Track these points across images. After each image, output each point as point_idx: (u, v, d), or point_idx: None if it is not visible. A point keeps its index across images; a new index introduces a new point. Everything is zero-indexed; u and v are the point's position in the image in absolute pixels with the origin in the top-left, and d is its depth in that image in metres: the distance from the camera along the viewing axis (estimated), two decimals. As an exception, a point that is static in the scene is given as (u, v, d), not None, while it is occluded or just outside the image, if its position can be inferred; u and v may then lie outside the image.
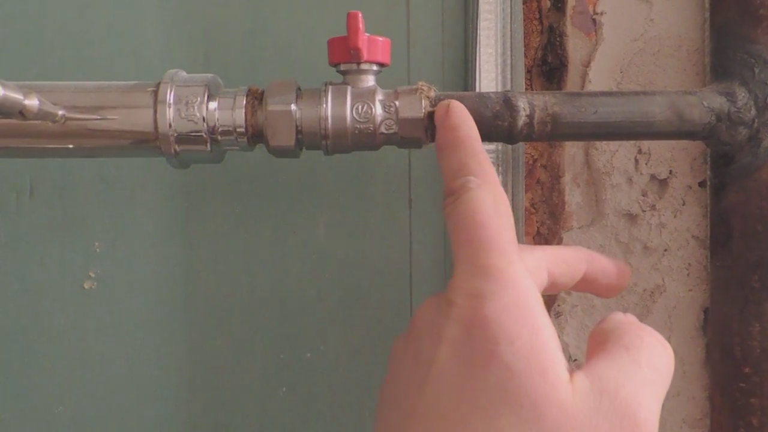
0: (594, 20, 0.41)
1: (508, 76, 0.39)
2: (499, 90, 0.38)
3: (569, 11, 0.41)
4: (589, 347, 0.25)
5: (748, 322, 0.34)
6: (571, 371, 0.22)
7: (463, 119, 0.29)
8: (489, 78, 0.39)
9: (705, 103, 0.31)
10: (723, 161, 0.34)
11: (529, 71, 0.42)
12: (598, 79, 0.41)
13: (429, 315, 0.25)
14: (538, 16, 0.42)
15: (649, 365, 0.23)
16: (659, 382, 0.23)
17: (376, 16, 0.41)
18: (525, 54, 0.40)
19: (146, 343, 0.41)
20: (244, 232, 0.41)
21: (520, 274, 0.24)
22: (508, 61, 0.39)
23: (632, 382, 0.22)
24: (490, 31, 0.39)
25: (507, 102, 0.31)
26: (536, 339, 0.22)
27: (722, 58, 0.34)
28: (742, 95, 0.32)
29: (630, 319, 0.25)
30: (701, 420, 0.41)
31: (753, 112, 0.32)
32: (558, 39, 0.41)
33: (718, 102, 0.31)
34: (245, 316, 0.41)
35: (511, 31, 0.39)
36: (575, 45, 0.41)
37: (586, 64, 0.41)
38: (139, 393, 0.41)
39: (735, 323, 0.34)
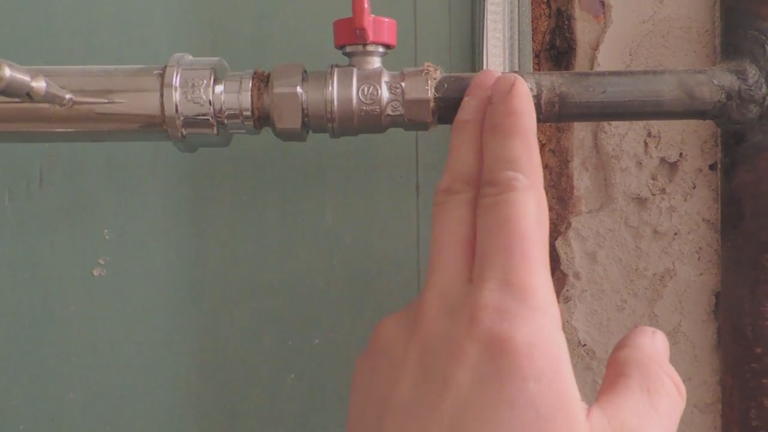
0: (602, 2, 0.40)
1: (516, 60, 0.38)
2: (507, 73, 0.38)
3: (577, -6, 0.41)
4: (608, 373, 0.24)
5: (759, 303, 0.34)
6: (588, 408, 0.22)
7: (527, 105, 0.26)
8: (496, 62, 0.38)
9: (715, 81, 0.31)
10: (734, 140, 0.34)
11: (537, 55, 0.41)
12: (607, 62, 0.40)
13: (441, 324, 0.23)
14: (545, 0, 0.41)
15: (667, 413, 0.22)
16: (671, 430, 0.22)
17: None
18: (533, 38, 0.40)
19: (155, 330, 0.41)
20: (252, 219, 0.41)
21: (551, 298, 0.22)
22: (516, 45, 0.38)
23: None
24: (497, 15, 0.38)
25: (514, 82, 0.31)
26: (560, 375, 0.21)
27: (733, 36, 0.34)
28: (753, 73, 0.31)
29: (656, 349, 0.24)
30: (712, 405, 0.41)
31: (764, 89, 0.31)
32: (566, 22, 0.41)
33: (729, 80, 0.31)
34: (253, 302, 0.41)
35: (518, 15, 0.38)
36: (583, 28, 0.41)
37: (595, 48, 0.41)
38: (148, 379, 0.41)
39: (746, 304, 0.34)
